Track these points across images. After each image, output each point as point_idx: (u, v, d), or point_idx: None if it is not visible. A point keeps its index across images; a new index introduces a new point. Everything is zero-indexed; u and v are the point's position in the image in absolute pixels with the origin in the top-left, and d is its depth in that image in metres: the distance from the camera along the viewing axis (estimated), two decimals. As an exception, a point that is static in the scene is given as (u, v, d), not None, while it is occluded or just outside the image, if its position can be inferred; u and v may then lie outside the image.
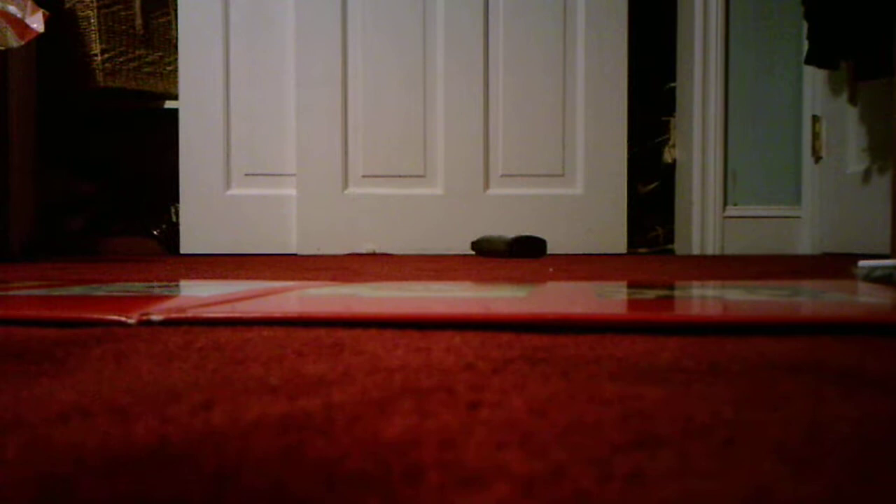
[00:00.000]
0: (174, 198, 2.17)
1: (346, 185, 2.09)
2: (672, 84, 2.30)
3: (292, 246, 2.10)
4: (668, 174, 2.32)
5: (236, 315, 0.46)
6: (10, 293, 0.63)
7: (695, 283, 0.78)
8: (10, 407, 0.25)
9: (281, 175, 2.10)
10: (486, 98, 2.11)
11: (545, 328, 0.42)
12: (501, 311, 0.47)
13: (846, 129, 1.98)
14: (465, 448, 0.20)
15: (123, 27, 2.10)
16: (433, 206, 2.10)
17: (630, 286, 0.70)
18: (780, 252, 2.13)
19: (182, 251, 2.10)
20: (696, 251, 2.15)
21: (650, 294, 0.58)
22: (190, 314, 0.46)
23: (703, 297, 0.60)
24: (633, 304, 0.54)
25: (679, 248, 2.27)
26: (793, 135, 2.15)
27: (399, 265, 1.39)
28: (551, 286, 0.70)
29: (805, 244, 2.14)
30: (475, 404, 0.25)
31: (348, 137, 2.08)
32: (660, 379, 0.29)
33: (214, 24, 2.08)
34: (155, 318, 0.45)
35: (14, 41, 1.42)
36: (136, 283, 0.73)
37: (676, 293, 0.61)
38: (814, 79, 2.09)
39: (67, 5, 2.06)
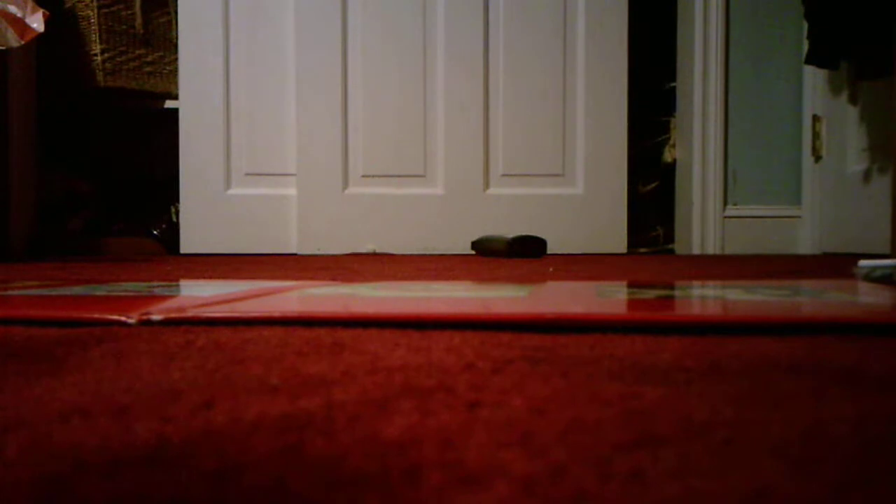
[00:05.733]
0: (174, 198, 2.17)
1: (346, 184, 2.09)
2: (672, 84, 2.30)
3: (292, 246, 2.10)
4: (668, 174, 2.32)
5: (236, 315, 0.46)
6: (10, 293, 0.63)
7: (695, 282, 0.78)
8: (10, 407, 0.25)
9: (281, 175, 2.10)
10: (486, 98, 2.10)
11: (545, 328, 0.42)
12: (501, 311, 0.47)
13: (846, 129, 1.98)
14: (465, 448, 0.20)
15: (123, 27, 2.10)
16: (433, 206, 2.10)
17: (630, 286, 0.70)
18: (780, 252, 2.13)
19: (182, 251, 2.10)
20: (696, 251, 2.15)
21: (650, 294, 0.58)
22: (190, 314, 0.46)
23: (704, 297, 0.60)
24: (633, 303, 0.54)
25: (679, 247, 2.27)
26: (793, 135, 2.15)
27: (399, 265, 1.39)
28: (551, 286, 0.70)
29: (805, 244, 2.14)
30: (475, 404, 0.25)
31: (348, 137, 2.08)
32: (660, 378, 0.29)
33: (214, 24, 2.08)
34: (155, 317, 0.45)
35: (14, 41, 1.42)
36: (137, 283, 0.73)
37: (676, 293, 0.61)
38: (814, 79, 2.09)
39: (67, 5, 2.06)
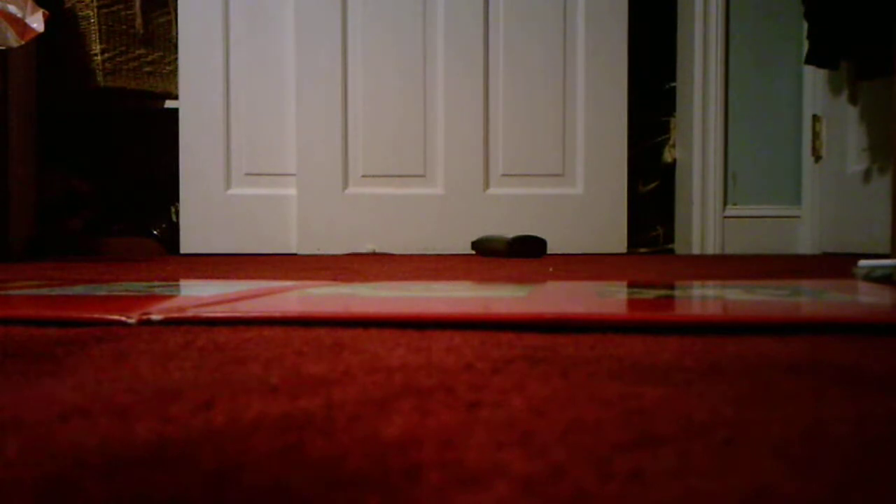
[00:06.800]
0: (174, 198, 2.17)
1: (346, 184, 2.09)
2: (672, 84, 2.30)
3: (292, 246, 2.10)
4: (668, 174, 2.32)
5: (236, 315, 0.46)
6: (10, 293, 0.63)
7: (695, 282, 0.78)
8: (11, 407, 0.25)
9: (281, 175, 2.10)
10: (486, 98, 2.10)
11: (545, 328, 0.41)
12: (501, 311, 0.47)
13: (846, 129, 1.98)
14: (465, 448, 0.20)
15: (123, 27, 2.10)
16: (433, 206, 2.10)
17: (630, 286, 0.70)
18: (780, 252, 2.13)
19: (182, 251, 2.10)
20: (696, 251, 2.15)
21: (650, 294, 0.58)
22: (190, 314, 0.46)
23: (704, 297, 0.60)
24: (633, 303, 0.54)
25: (679, 247, 2.27)
26: (793, 135, 2.15)
27: (399, 265, 1.39)
28: (551, 286, 0.70)
29: (805, 244, 2.14)
30: (475, 404, 0.25)
31: (348, 137, 2.08)
32: (660, 378, 0.29)
33: (214, 24, 2.08)
34: (155, 317, 0.45)
35: (14, 41, 1.42)
36: (136, 283, 0.73)
37: (676, 293, 0.61)
38: (814, 79, 2.09)
39: (67, 5, 2.06)
